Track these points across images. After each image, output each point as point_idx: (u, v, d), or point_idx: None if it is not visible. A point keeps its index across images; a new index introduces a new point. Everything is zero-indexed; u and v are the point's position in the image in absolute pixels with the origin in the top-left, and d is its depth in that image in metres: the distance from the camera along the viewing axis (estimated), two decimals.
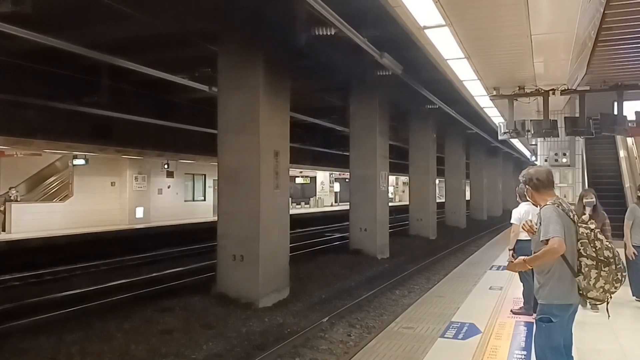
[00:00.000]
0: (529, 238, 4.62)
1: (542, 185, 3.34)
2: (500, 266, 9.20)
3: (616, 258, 3.11)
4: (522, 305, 5.91)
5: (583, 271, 3.10)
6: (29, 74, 11.73)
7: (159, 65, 11.11)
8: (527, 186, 3.39)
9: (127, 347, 6.49)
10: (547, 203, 3.22)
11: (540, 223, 3.16)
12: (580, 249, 3.14)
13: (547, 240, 3.05)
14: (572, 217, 3.19)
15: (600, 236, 3.20)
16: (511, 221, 5.91)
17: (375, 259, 14.10)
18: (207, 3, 8.47)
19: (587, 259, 3.11)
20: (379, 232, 14.70)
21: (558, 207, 3.17)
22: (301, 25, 7.80)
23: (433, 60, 7.85)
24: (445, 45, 6.72)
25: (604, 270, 3.07)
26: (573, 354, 3.30)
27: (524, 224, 3.49)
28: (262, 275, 8.72)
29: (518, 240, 5.48)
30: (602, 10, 4.36)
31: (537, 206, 3.38)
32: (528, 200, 3.67)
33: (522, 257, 3.27)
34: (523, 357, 4.47)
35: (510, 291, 7.04)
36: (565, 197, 9.84)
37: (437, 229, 21.38)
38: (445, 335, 5.15)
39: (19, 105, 11.47)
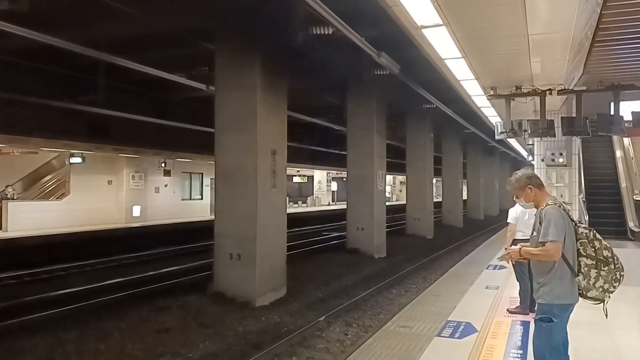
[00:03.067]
0: (525, 237, 4.64)
1: (542, 182, 3.42)
2: (496, 265, 9.21)
3: (615, 257, 3.13)
4: (518, 304, 5.93)
5: (582, 271, 3.12)
6: (27, 72, 11.70)
7: (157, 64, 11.08)
8: (529, 186, 3.38)
9: (123, 346, 6.49)
10: (549, 203, 3.24)
11: (540, 222, 3.17)
12: (579, 249, 3.15)
13: (545, 243, 3.07)
14: (571, 216, 3.23)
15: (599, 236, 3.22)
16: (508, 220, 5.95)
17: (372, 258, 14.14)
18: (205, 2, 8.46)
19: (587, 258, 3.12)
20: (376, 231, 14.72)
21: (560, 207, 3.19)
22: (299, 24, 7.80)
23: (430, 59, 7.86)
24: (442, 44, 6.74)
25: (604, 270, 3.10)
26: (569, 353, 3.31)
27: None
28: (259, 274, 8.72)
29: (515, 240, 5.49)
30: (599, 11, 4.37)
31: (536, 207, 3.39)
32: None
33: (518, 247, 3.32)
34: (519, 356, 4.48)
35: (507, 290, 7.06)
36: (561, 196, 9.88)
37: (434, 229, 21.42)
38: (442, 334, 5.16)
39: (17, 104, 11.44)
